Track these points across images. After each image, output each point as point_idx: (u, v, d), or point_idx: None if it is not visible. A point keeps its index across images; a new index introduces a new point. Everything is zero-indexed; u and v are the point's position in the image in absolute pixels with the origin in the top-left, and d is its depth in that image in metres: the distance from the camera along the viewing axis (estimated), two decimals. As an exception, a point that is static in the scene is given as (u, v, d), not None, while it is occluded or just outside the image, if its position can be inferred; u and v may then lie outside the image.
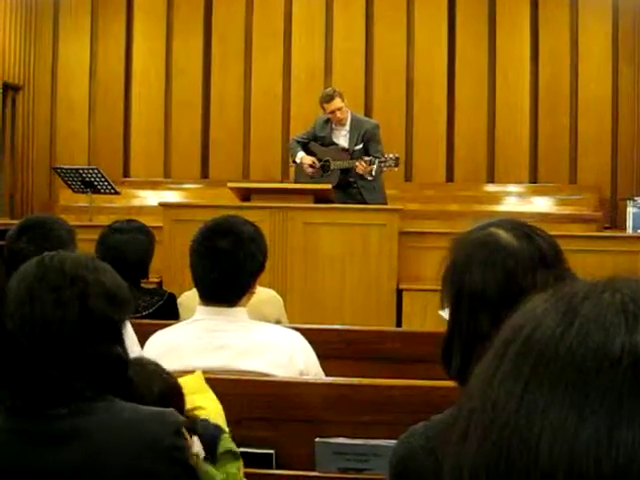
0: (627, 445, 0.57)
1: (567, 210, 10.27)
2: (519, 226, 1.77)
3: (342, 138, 7.97)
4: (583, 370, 0.60)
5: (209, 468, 2.18)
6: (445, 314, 1.87)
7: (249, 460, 2.50)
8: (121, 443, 1.89)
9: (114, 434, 1.90)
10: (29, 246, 3.32)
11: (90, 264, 2.04)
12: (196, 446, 2.14)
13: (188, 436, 2.04)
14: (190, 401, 2.34)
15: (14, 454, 1.90)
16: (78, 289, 1.94)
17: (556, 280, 1.70)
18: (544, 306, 0.66)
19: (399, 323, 6.91)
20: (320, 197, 7.32)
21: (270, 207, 6.98)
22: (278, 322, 3.86)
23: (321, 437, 2.69)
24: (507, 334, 0.66)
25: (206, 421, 2.30)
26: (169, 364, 3.04)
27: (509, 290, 1.66)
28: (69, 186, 9.16)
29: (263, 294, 3.82)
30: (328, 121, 8.00)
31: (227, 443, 2.28)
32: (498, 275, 1.69)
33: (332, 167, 7.87)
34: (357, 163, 7.57)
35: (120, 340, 2.00)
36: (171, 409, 2.01)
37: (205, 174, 11.32)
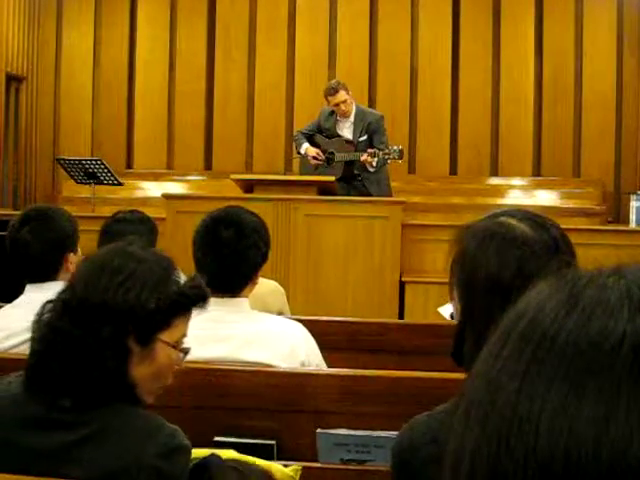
0: (625, 429, 0.57)
1: (570, 204, 10.26)
2: (531, 216, 1.78)
3: (346, 130, 7.97)
4: (584, 353, 0.60)
5: None
6: (444, 311, 1.87)
7: (250, 451, 2.50)
8: (106, 447, 1.87)
9: (104, 436, 1.88)
10: (31, 236, 3.31)
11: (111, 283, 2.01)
12: None
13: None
14: None
15: (18, 431, 1.92)
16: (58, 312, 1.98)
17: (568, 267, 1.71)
18: (548, 291, 0.66)
19: (401, 315, 6.92)
20: (323, 189, 7.32)
21: (273, 199, 6.98)
22: (280, 313, 3.86)
23: (323, 428, 2.69)
24: (511, 318, 0.66)
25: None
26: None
27: (524, 277, 1.66)
28: (72, 177, 9.17)
29: (265, 285, 3.82)
30: (333, 113, 8.00)
31: None
32: (513, 262, 1.69)
33: (336, 159, 7.86)
34: (362, 155, 7.58)
35: (108, 359, 1.94)
36: (176, 428, 1.95)
37: (208, 166, 11.32)
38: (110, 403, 1.92)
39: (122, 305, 1.92)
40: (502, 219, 1.77)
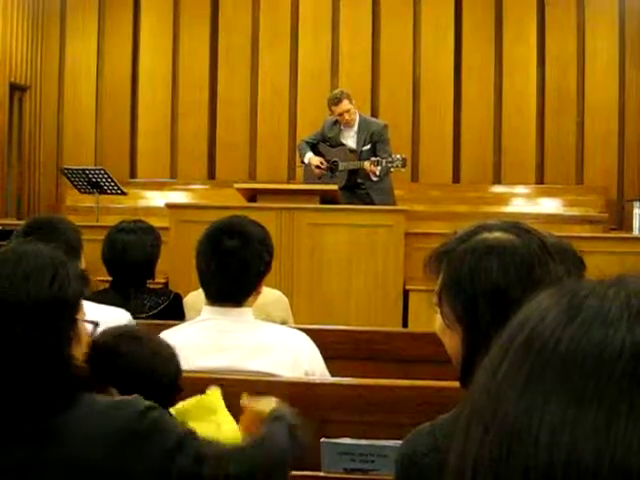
0: (625, 439, 0.57)
1: (574, 211, 10.26)
2: (509, 225, 1.79)
3: (350, 139, 7.97)
4: (584, 364, 0.61)
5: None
6: None
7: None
8: (86, 438, 1.90)
9: (79, 430, 1.91)
10: (36, 246, 3.31)
11: (12, 274, 1.99)
12: None
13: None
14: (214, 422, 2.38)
15: None
16: None
17: (566, 269, 1.72)
18: (549, 301, 0.66)
19: (405, 323, 6.91)
20: (326, 198, 7.32)
21: (276, 208, 6.98)
22: (284, 323, 3.86)
23: (327, 437, 2.69)
24: (511, 329, 0.67)
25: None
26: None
27: (532, 285, 1.65)
28: (76, 187, 9.18)
29: (269, 294, 3.82)
30: (337, 122, 8.01)
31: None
32: (522, 271, 1.69)
33: (340, 168, 7.87)
34: (365, 164, 7.59)
35: (61, 356, 1.97)
36: (136, 395, 2.01)
37: (211, 175, 11.33)
38: (69, 399, 1.95)
39: (70, 298, 2.00)
40: (487, 234, 1.77)
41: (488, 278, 1.70)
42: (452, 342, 1.76)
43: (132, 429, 1.92)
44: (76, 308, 2.04)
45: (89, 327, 2.16)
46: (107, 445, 1.91)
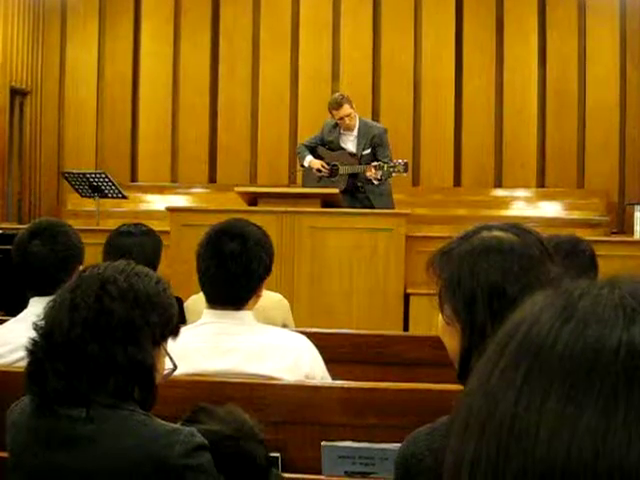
0: (623, 438, 0.57)
1: (575, 214, 10.26)
2: (509, 226, 1.80)
3: (350, 143, 7.97)
4: (580, 364, 0.61)
5: None
6: None
7: (255, 463, 2.50)
8: (131, 458, 1.88)
9: (126, 448, 1.89)
10: (41, 249, 3.32)
11: (130, 269, 2.04)
12: None
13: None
14: None
15: (30, 450, 1.94)
16: (100, 292, 1.94)
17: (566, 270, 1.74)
18: (544, 302, 0.67)
19: (406, 327, 6.91)
20: (327, 201, 7.32)
21: (277, 211, 6.98)
22: (284, 326, 3.86)
23: (327, 440, 2.69)
24: (507, 330, 0.67)
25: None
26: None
27: (528, 284, 1.66)
28: (77, 191, 9.19)
29: (269, 298, 3.82)
30: (336, 125, 8.00)
31: None
32: (517, 269, 1.70)
33: (340, 172, 7.87)
34: (367, 168, 7.59)
35: (140, 345, 1.97)
36: (192, 429, 1.97)
37: (212, 178, 11.34)
38: (122, 407, 1.94)
39: (171, 304, 2.07)
40: (486, 234, 1.78)
41: (486, 277, 1.71)
42: (452, 341, 1.77)
43: (185, 464, 1.90)
44: (171, 317, 2.05)
45: (169, 364, 2.13)
46: (143, 474, 1.89)
